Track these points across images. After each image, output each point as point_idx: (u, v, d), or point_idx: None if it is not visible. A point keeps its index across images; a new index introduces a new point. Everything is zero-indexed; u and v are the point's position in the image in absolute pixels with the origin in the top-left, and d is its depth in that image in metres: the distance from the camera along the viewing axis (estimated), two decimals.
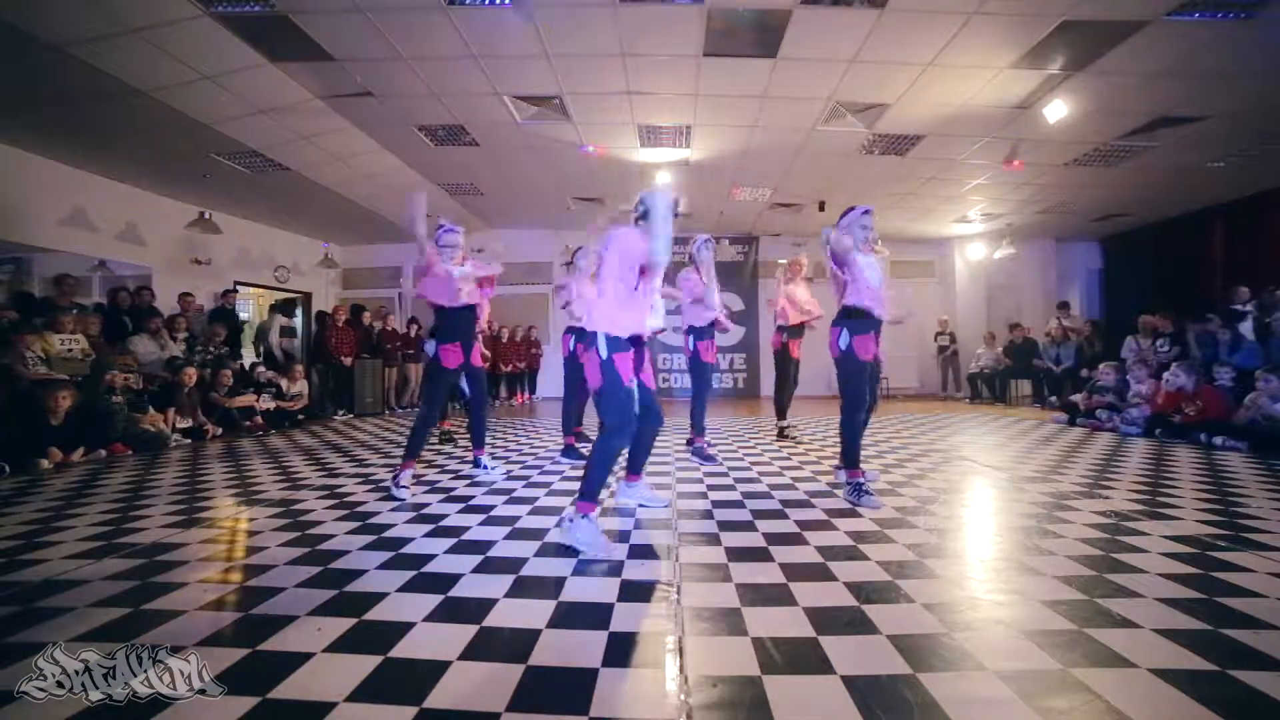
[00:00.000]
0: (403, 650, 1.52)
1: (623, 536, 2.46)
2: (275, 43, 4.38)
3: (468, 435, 5.70)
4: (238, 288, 8.71)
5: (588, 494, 2.29)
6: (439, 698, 1.31)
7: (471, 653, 1.51)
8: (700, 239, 3.90)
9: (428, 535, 2.50)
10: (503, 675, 1.40)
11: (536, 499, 3.11)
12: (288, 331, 8.70)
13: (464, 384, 3.80)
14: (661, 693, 1.34)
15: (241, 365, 7.40)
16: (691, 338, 4.39)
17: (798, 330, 5.12)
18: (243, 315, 9.49)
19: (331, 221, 9.18)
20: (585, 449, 4.28)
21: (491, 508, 2.95)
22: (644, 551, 2.27)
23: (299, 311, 9.71)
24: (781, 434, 5.25)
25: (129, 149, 6.05)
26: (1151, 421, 5.33)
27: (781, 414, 5.32)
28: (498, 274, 3.73)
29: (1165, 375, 5.63)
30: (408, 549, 2.33)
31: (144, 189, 7.22)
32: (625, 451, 2.71)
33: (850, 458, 3.11)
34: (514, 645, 1.55)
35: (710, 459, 4.16)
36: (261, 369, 7.55)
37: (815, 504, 2.95)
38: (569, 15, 4.10)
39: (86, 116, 5.26)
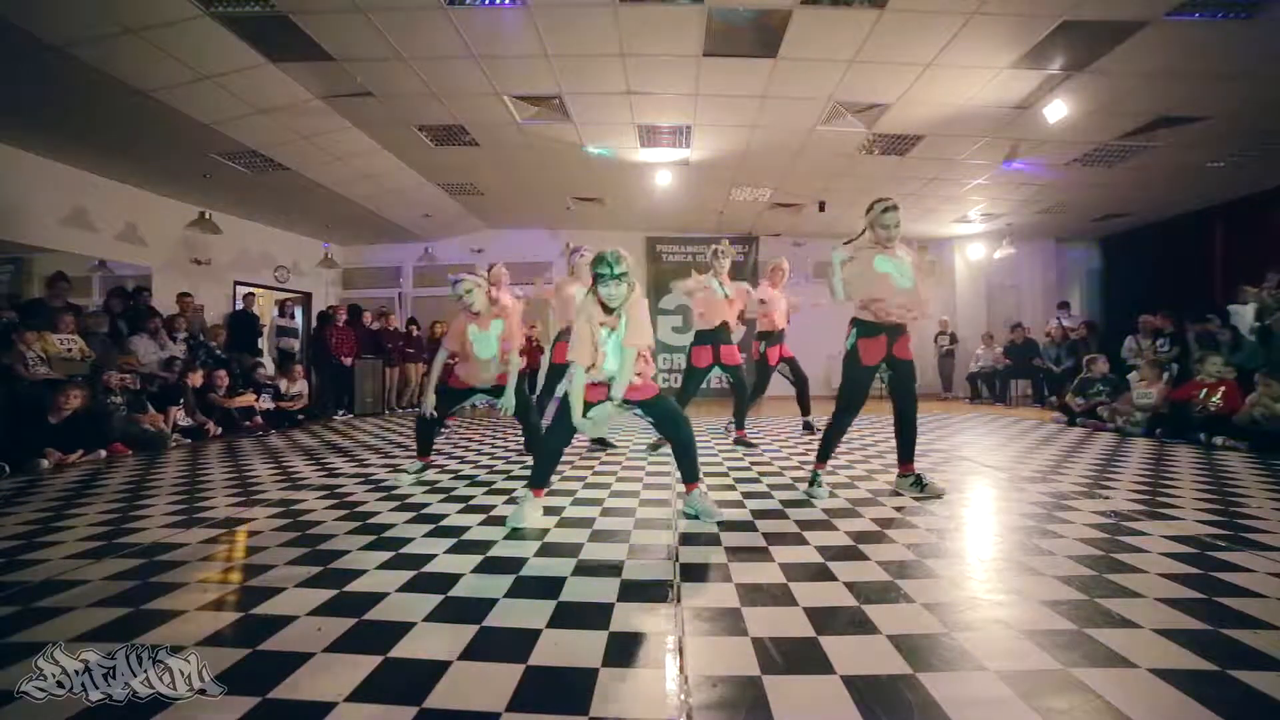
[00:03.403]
0: (403, 650, 1.52)
1: (622, 537, 2.46)
2: (275, 43, 4.38)
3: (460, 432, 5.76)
4: (253, 292, 8.73)
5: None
6: (439, 698, 1.31)
7: (471, 653, 1.51)
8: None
9: (428, 535, 2.50)
10: (503, 675, 1.40)
11: None
12: (283, 331, 8.71)
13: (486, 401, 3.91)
14: (661, 693, 1.34)
15: (253, 363, 7.42)
16: None
17: (776, 337, 5.11)
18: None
19: (331, 221, 9.17)
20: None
21: (491, 508, 2.95)
22: (644, 552, 2.27)
23: (298, 312, 9.73)
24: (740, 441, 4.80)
25: (129, 149, 6.04)
26: (1152, 421, 5.33)
27: (739, 417, 4.98)
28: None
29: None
30: (408, 549, 2.33)
31: (144, 189, 7.21)
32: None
33: (824, 454, 3.22)
34: (514, 645, 1.54)
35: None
36: (262, 369, 7.56)
37: (815, 504, 2.95)
38: (569, 15, 4.10)
39: (87, 116, 5.26)
